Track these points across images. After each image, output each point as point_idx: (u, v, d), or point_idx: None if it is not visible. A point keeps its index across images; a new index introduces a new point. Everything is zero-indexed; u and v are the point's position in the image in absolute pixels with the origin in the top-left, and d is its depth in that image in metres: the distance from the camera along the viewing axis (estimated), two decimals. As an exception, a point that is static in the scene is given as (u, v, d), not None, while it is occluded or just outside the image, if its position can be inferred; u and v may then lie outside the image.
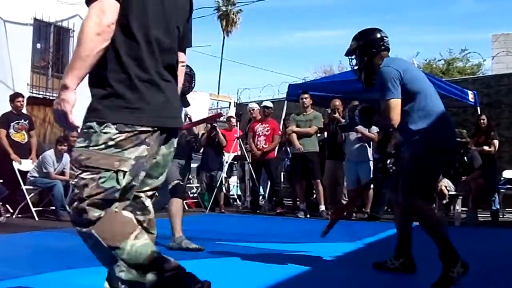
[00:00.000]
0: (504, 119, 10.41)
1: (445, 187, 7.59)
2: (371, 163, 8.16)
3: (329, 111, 8.76)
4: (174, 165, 9.01)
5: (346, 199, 8.69)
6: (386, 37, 3.83)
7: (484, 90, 10.74)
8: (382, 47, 3.77)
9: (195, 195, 10.71)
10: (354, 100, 8.27)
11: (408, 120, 3.54)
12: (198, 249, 4.74)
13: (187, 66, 5.17)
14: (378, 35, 3.81)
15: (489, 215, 8.68)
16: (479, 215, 8.24)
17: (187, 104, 5.23)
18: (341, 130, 8.42)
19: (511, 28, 20.70)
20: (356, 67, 3.87)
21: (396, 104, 3.47)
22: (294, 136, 8.53)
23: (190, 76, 5.14)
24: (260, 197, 9.98)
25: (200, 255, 4.50)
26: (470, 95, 9.80)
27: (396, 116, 3.47)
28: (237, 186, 11.68)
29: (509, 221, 8.68)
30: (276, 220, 8.38)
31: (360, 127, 8.01)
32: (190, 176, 11.14)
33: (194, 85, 5.22)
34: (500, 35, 16.53)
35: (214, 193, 9.39)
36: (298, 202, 8.99)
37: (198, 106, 15.83)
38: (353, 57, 3.88)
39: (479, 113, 9.56)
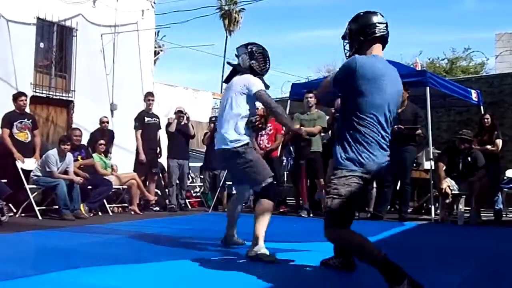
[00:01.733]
0: (507, 119, 10.40)
1: (448, 186, 7.58)
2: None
3: (333, 111, 8.73)
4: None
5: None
6: (382, 23, 3.30)
7: (487, 89, 10.73)
8: (373, 35, 3.28)
9: (198, 194, 10.72)
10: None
11: (344, 137, 3.19)
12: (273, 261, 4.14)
13: (257, 45, 4.66)
14: (372, 21, 3.29)
15: (492, 215, 8.66)
16: (482, 214, 8.22)
17: (266, 85, 4.67)
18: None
19: (515, 27, 20.63)
20: (347, 53, 3.43)
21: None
22: (298, 134, 8.49)
23: (263, 56, 4.66)
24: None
25: (204, 254, 4.50)
26: (474, 94, 9.78)
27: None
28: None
29: (512, 221, 8.66)
30: (279, 219, 8.36)
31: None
32: (192, 175, 11.17)
33: (269, 65, 4.71)
34: (504, 34, 16.49)
35: (217, 192, 9.39)
36: (301, 201, 8.98)
37: (201, 105, 15.85)
38: (347, 41, 3.44)
39: (482, 112, 9.53)
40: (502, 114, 10.38)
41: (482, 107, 9.96)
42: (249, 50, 4.60)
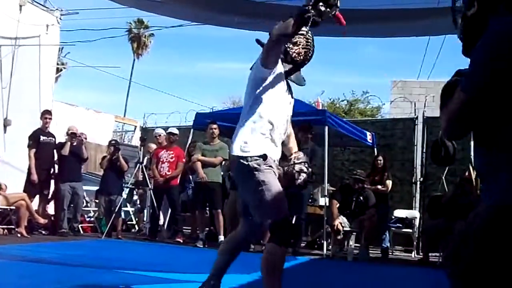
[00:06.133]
0: (397, 161, 11.00)
1: (340, 223, 7.87)
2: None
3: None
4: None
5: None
6: None
7: (381, 132, 11.31)
8: None
9: (92, 219, 10.34)
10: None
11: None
12: None
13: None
14: None
15: (379, 252, 9.07)
16: (370, 251, 8.59)
17: (302, 82, 3.56)
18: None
19: (409, 76, 22.07)
20: (461, 18, 1.87)
21: (461, 101, 1.67)
22: (199, 164, 8.50)
23: (307, 42, 3.42)
24: (160, 223, 9.82)
25: (94, 283, 4.33)
26: (369, 136, 10.29)
27: (447, 121, 1.74)
28: (134, 213, 11.39)
29: (397, 259, 9.11)
30: (174, 248, 8.26)
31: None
32: (87, 199, 10.79)
33: (311, 55, 3.44)
34: (399, 82, 17.56)
35: (112, 218, 9.11)
36: (198, 231, 8.94)
37: (102, 128, 15.40)
38: None
39: (376, 153, 10.07)
40: (393, 157, 10.97)
41: (375, 149, 10.50)
42: None
